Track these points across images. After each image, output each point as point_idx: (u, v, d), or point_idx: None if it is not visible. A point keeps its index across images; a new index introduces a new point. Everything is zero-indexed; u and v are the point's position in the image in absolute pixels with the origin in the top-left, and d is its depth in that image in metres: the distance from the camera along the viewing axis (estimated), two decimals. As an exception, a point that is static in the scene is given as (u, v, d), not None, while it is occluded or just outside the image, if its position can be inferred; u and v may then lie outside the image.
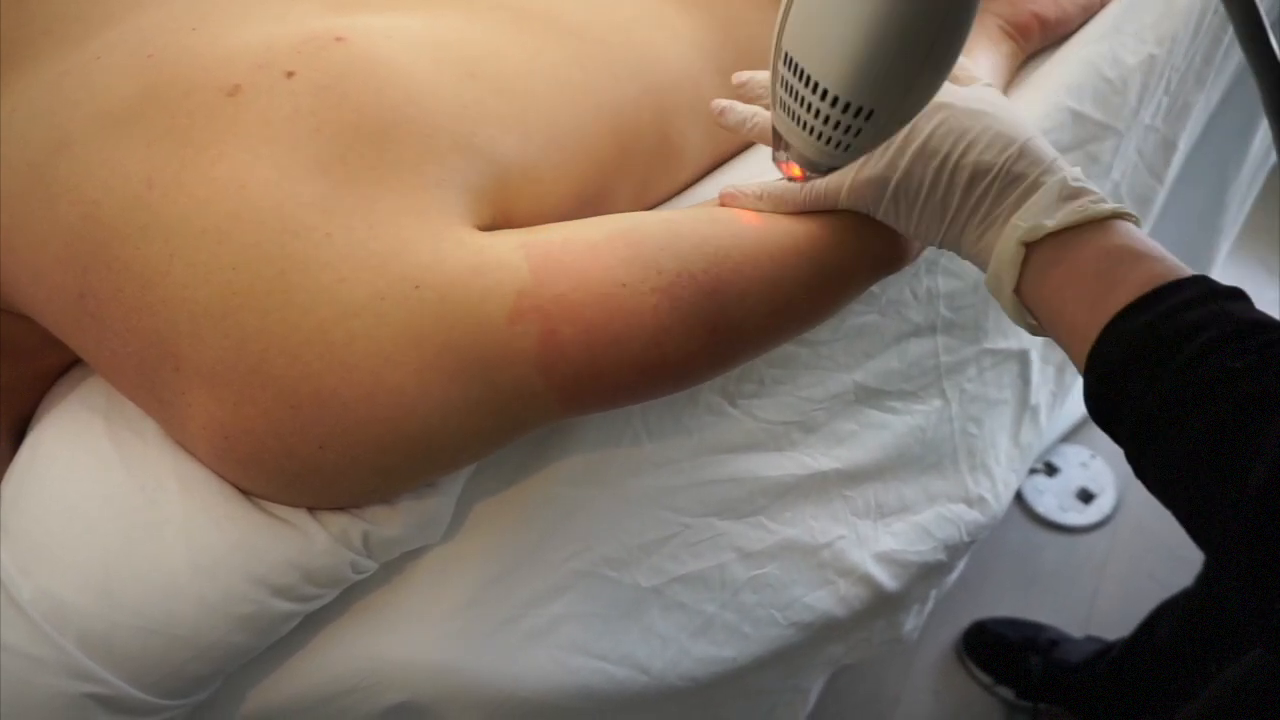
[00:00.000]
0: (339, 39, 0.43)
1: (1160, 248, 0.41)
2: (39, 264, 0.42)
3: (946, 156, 0.45)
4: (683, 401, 0.59)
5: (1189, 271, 0.39)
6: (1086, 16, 0.69)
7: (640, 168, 0.54)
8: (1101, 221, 0.42)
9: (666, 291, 0.44)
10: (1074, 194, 0.43)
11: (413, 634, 0.50)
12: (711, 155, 0.62)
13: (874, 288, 0.57)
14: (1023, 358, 0.77)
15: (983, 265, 0.46)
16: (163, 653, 0.40)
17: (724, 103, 0.52)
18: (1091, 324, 0.39)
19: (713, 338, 0.45)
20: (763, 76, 0.49)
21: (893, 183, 0.46)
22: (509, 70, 0.47)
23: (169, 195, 0.39)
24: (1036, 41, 0.68)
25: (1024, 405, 0.80)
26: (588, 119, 0.49)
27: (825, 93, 0.36)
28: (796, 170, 0.44)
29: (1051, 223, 0.42)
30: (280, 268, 0.39)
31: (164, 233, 0.39)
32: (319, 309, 0.39)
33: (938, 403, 0.72)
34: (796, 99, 0.38)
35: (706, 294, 0.44)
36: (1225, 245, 1.10)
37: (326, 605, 0.47)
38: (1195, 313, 0.37)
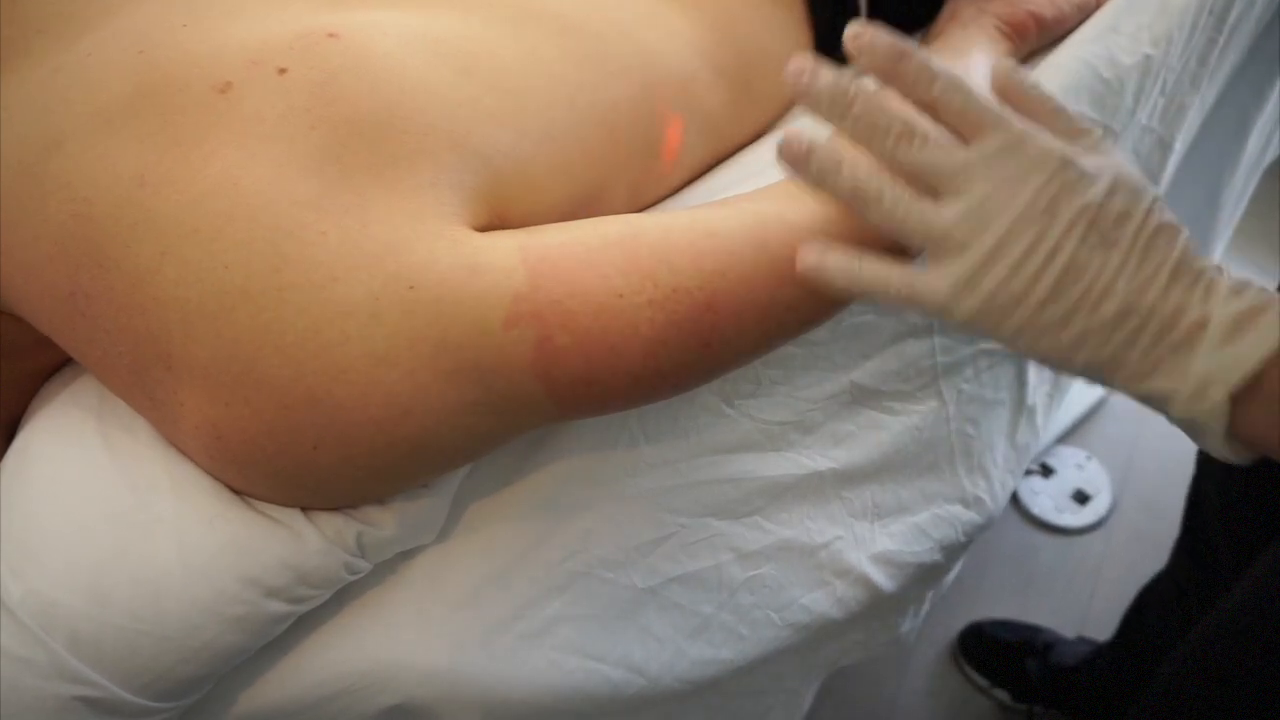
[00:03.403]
0: (332, 35, 0.43)
1: None
2: (31, 262, 0.41)
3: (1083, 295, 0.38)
4: (679, 402, 0.58)
5: None
6: (1083, 16, 0.69)
7: (635, 167, 0.54)
8: None
9: (661, 305, 0.43)
10: (1246, 318, 0.37)
11: (407, 635, 0.50)
12: (707, 155, 0.62)
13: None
14: (1019, 358, 0.77)
15: (1152, 405, 0.40)
16: (154, 654, 0.40)
17: (805, 142, 0.40)
18: None
19: (706, 351, 0.45)
20: (823, 150, 0.41)
21: (1016, 319, 0.39)
22: (504, 67, 0.47)
23: (160, 193, 0.39)
24: (1033, 41, 0.68)
25: (1020, 406, 0.80)
26: (583, 117, 0.49)
27: None
28: None
29: (1254, 364, 0.36)
30: (273, 266, 0.38)
31: (155, 231, 0.39)
32: (312, 309, 0.39)
33: (934, 403, 0.71)
34: None
35: (701, 309, 0.44)
36: (1220, 246, 1.11)
37: (320, 606, 0.47)
38: None
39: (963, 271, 0.39)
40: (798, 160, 0.41)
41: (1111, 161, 0.40)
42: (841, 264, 0.41)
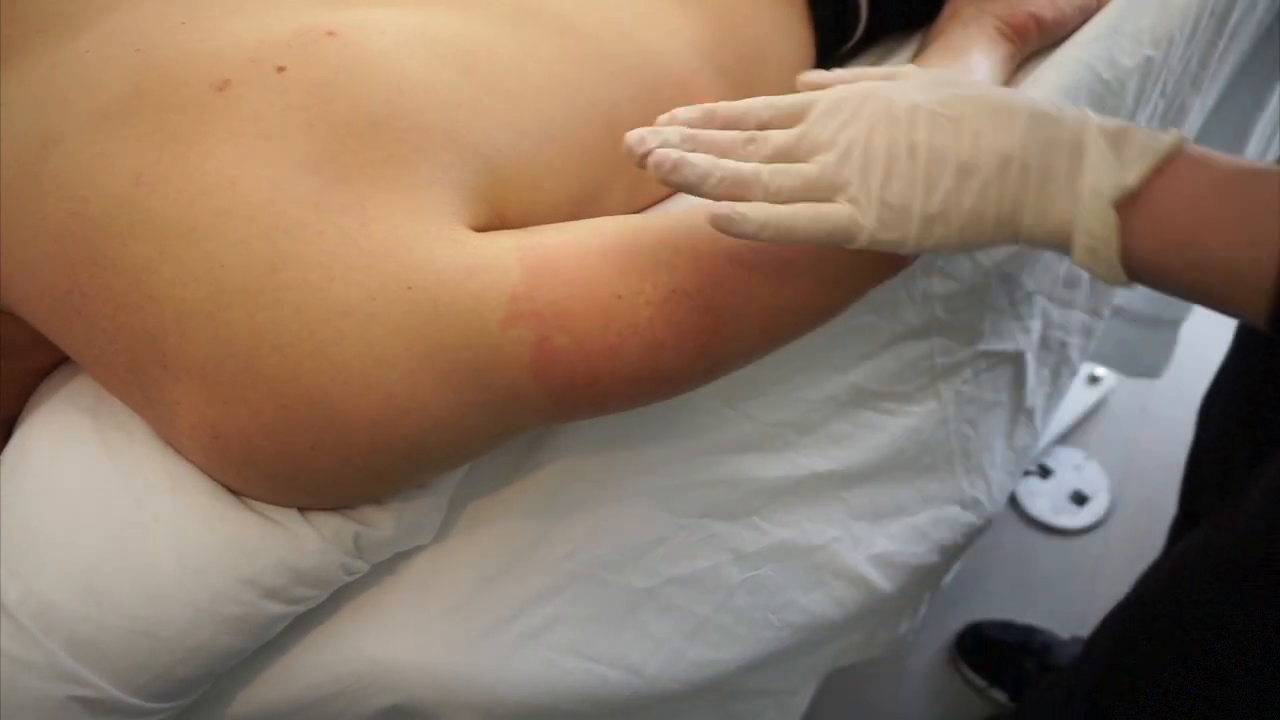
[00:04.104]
0: (331, 33, 0.42)
1: (1239, 159, 0.41)
2: (28, 261, 0.41)
3: (960, 156, 0.42)
4: (678, 402, 0.58)
5: None
6: (1083, 18, 0.69)
7: (635, 167, 0.54)
8: (1174, 152, 0.40)
9: (660, 307, 0.43)
10: (1119, 136, 0.41)
11: (404, 636, 0.50)
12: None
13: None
14: (1018, 360, 0.77)
15: (1053, 246, 0.43)
16: (150, 655, 0.40)
17: (670, 154, 0.41)
18: (1263, 259, 0.38)
19: (706, 354, 0.45)
20: (670, 133, 0.42)
21: (917, 210, 0.42)
22: (503, 67, 0.46)
23: (158, 192, 0.39)
24: (1034, 43, 0.68)
25: (1019, 407, 0.80)
26: (582, 116, 0.49)
27: None
28: None
29: (1134, 179, 0.40)
30: (271, 265, 0.38)
31: (153, 230, 0.39)
32: (309, 308, 0.38)
33: (933, 405, 0.71)
34: None
35: (700, 311, 0.44)
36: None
37: (317, 607, 0.47)
38: None
39: (853, 193, 0.42)
40: (670, 176, 0.42)
41: (920, 69, 0.46)
42: (756, 210, 0.42)
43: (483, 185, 0.44)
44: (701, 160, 0.41)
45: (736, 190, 0.42)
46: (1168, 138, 0.41)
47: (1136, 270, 0.41)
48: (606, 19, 0.52)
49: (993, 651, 1.14)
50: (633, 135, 0.42)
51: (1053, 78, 0.66)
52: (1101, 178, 0.40)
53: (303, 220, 0.39)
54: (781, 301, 0.46)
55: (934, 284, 0.67)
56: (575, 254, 0.43)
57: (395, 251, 0.40)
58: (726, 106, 0.44)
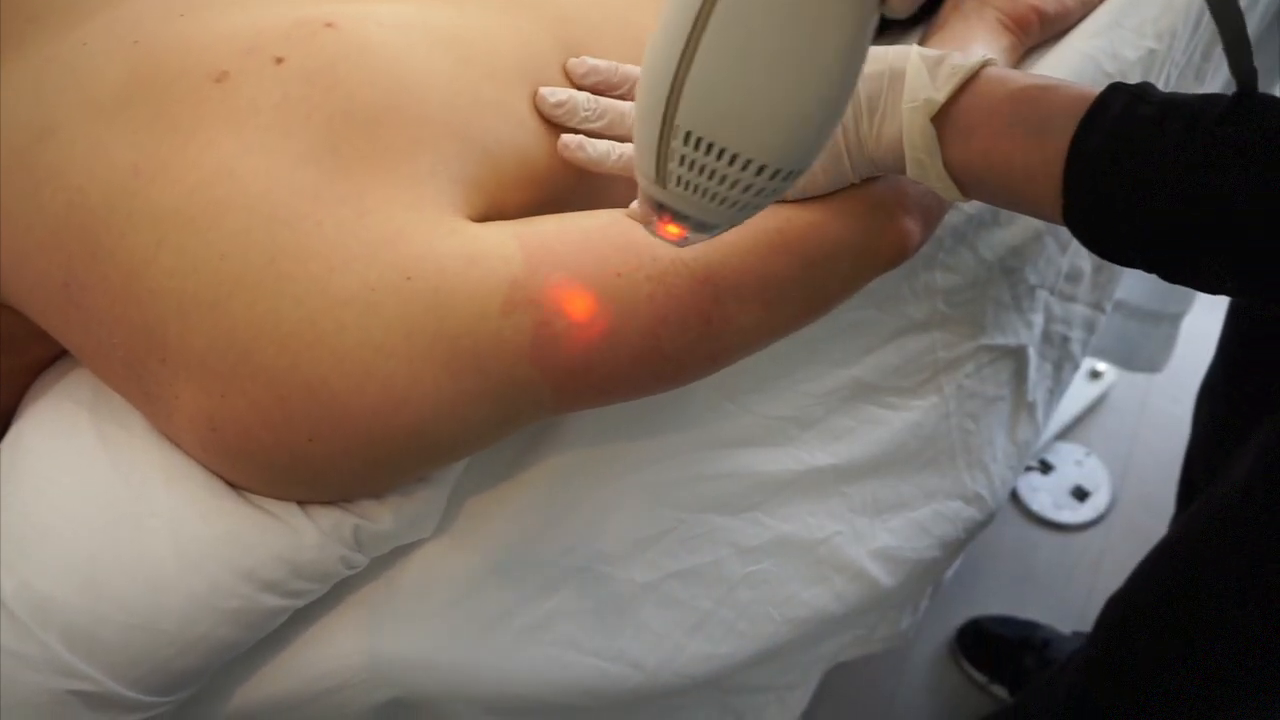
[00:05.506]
0: (329, 24, 0.42)
1: (1039, 75, 0.46)
2: (23, 252, 0.41)
3: None
4: (680, 396, 0.58)
5: (1094, 89, 0.43)
6: (1085, 11, 0.69)
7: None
8: (977, 74, 0.45)
9: (660, 279, 0.43)
10: (935, 62, 0.46)
11: (405, 630, 0.50)
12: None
13: (871, 283, 0.57)
14: (1020, 354, 0.77)
15: (894, 166, 0.47)
16: (148, 648, 0.39)
17: (573, 139, 0.47)
18: (1050, 159, 0.42)
19: (708, 330, 0.45)
20: (583, 97, 0.47)
21: None
22: (502, 57, 0.46)
23: (156, 182, 0.39)
24: (1036, 36, 0.68)
25: (1021, 402, 0.80)
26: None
27: (748, 163, 0.34)
28: (674, 230, 0.38)
29: (942, 95, 0.44)
30: (270, 256, 0.38)
31: (151, 221, 0.38)
32: (309, 299, 0.38)
33: (934, 399, 0.71)
34: (700, 172, 0.34)
35: (700, 281, 0.44)
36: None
37: (317, 600, 0.47)
38: (1147, 108, 0.41)
39: None
40: (575, 155, 0.47)
41: None
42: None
43: (483, 176, 0.44)
44: (601, 143, 0.47)
45: (632, 167, 0.46)
46: (974, 59, 0.45)
47: (959, 180, 0.46)
48: (603, 9, 0.52)
49: (993, 647, 1.14)
50: (546, 89, 0.47)
51: (1055, 70, 0.65)
52: (917, 94, 0.45)
53: (302, 211, 0.39)
54: (776, 267, 0.46)
55: (936, 278, 0.67)
56: (575, 238, 0.43)
57: (394, 242, 0.40)
58: (629, 66, 0.50)
